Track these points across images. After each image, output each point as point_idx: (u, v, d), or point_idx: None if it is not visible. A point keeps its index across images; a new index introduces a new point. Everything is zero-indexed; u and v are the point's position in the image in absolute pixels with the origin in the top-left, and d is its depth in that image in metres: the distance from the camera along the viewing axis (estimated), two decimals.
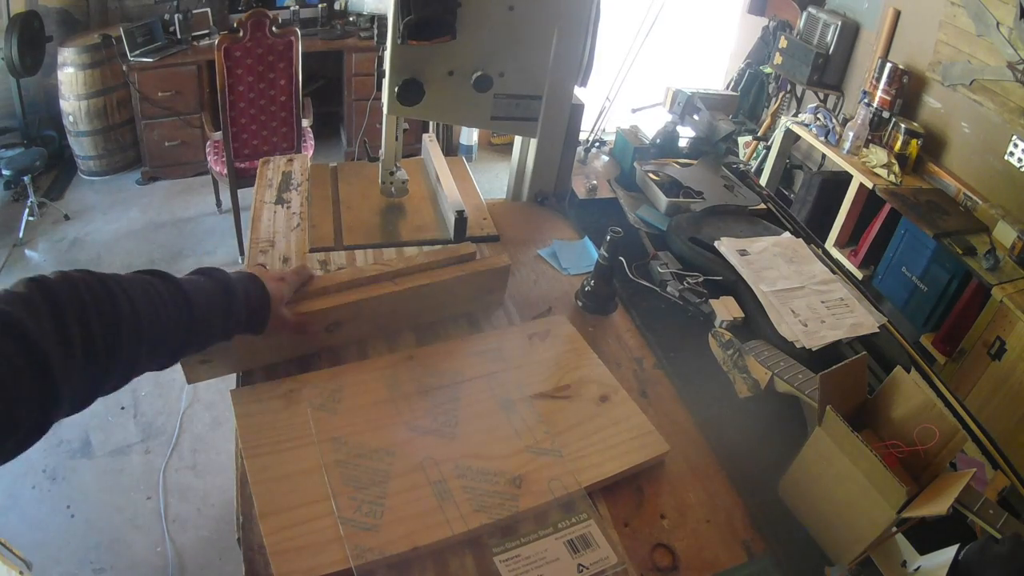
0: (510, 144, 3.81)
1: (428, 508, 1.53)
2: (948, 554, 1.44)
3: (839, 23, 5.72)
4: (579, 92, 2.61)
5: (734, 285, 2.41)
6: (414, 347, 2.00)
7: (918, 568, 1.52)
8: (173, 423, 3.96)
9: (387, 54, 2.07)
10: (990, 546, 1.38)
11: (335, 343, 1.97)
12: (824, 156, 5.57)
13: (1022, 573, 1.33)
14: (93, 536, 3.36)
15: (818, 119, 5.51)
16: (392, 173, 2.55)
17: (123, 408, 4.03)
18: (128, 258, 5.21)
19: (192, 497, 3.60)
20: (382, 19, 2.16)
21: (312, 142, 5.39)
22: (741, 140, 6.36)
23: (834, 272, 2.53)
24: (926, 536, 1.56)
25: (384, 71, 2.15)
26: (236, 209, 5.29)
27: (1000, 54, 4.48)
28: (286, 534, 1.43)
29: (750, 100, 6.77)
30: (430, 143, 2.85)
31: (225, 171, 5.02)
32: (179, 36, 5.91)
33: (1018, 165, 4.46)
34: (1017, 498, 1.93)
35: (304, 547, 1.42)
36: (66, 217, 5.59)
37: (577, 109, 2.63)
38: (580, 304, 2.30)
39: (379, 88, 2.26)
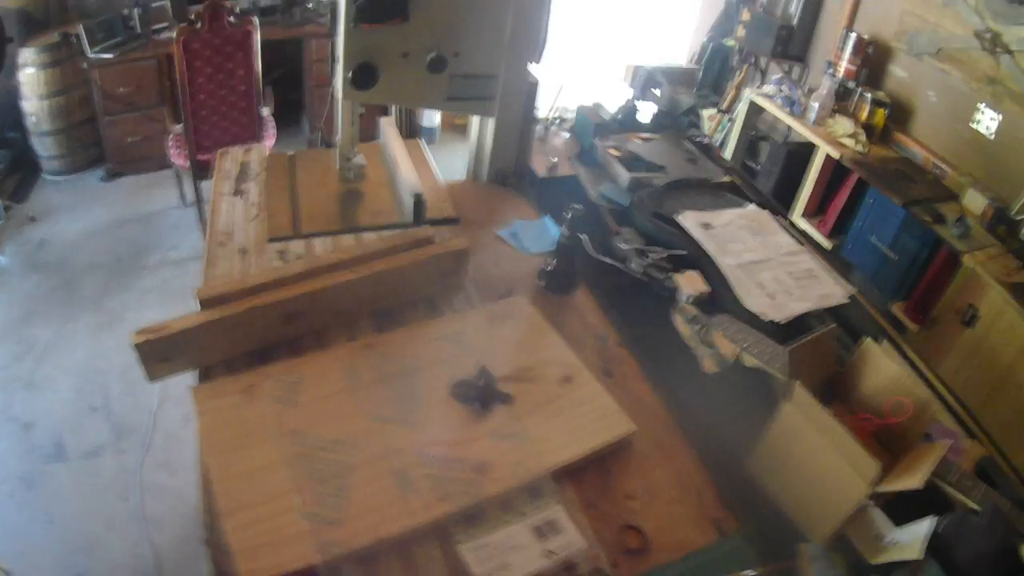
0: None
1: (391, 498, 1.51)
2: (925, 526, 1.43)
3: None
4: (535, 70, 2.58)
5: (699, 259, 2.39)
6: (373, 334, 1.98)
7: (895, 541, 1.50)
8: (145, 421, 3.92)
9: (340, 39, 2.04)
10: (968, 518, 1.37)
11: (294, 333, 1.95)
12: (790, 128, 5.55)
13: (1001, 544, 1.32)
14: (72, 541, 3.32)
15: (782, 90, 5.50)
16: (349, 159, 2.52)
17: (95, 409, 3.99)
18: (94, 258, 5.16)
19: (167, 496, 3.56)
20: (337, 4, 2.13)
21: (274, 131, 5.33)
22: (705, 113, 6.33)
23: (801, 243, 2.51)
24: (902, 507, 1.54)
25: (337, 56, 2.12)
26: (199, 202, 5.26)
27: (967, 23, 4.47)
28: (251, 531, 1.42)
29: (714, 73, 6.72)
30: (387, 127, 2.82)
31: (187, 164, 4.96)
32: (138, 30, 5.84)
33: (986, 133, 4.46)
34: (994, 467, 1.92)
35: (269, 543, 1.40)
36: (31, 219, 5.53)
37: (532, 87, 2.60)
38: (542, 284, 2.27)
39: (333, 74, 2.24)
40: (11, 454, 3.71)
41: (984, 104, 4.43)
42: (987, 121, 4.44)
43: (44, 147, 5.88)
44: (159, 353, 1.78)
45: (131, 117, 5.87)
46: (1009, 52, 4.22)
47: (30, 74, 5.53)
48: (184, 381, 1.91)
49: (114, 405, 4.02)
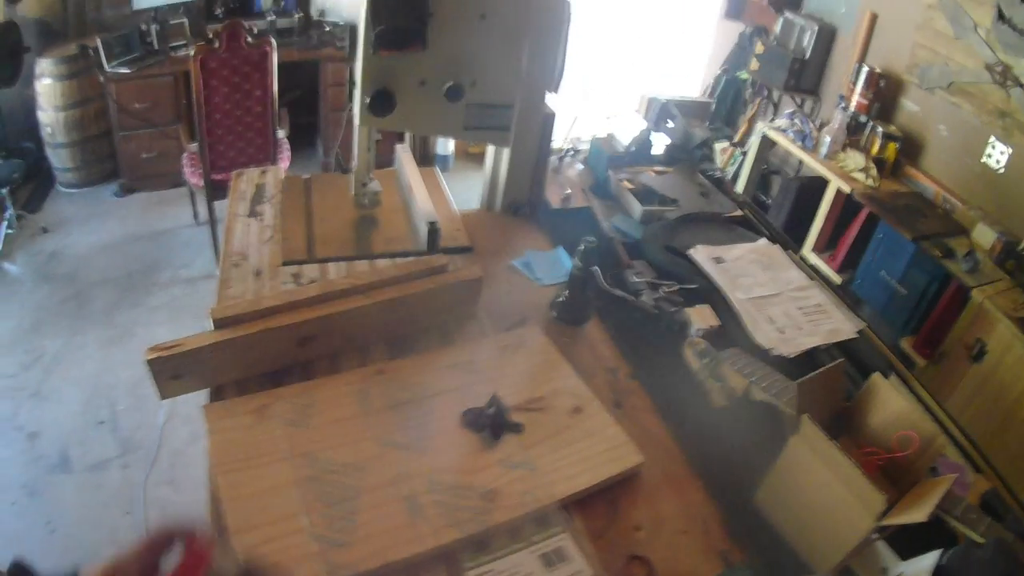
0: None
1: (400, 523, 1.52)
2: (930, 559, 1.43)
3: (816, 27, 5.71)
4: (551, 100, 2.59)
5: (710, 293, 2.40)
6: (386, 360, 1.99)
7: (900, 575, 1.50)
8: (152, 437, 3.92)
9: (358, 65, 2.06)
10: (972, 551, 1.38)
11: (307, 357, 1.96)
12: (801, 162, 5.56)
13: None
14: (73, 552, 3.32)
15: (795, 124, 5.51)
16: (365, 184, 2.54)
17: (101, 423, 4.00)
18: (105, 272, 5.17)
19: (171, 512, 3.56)
20: (356, 29, 2.14)
21: (288, 153, 5.35)
22: (718, 146, 6.35)
23: (811, 278, 2.52)
24: (908, 541, 1.55)
25: (355, 82, 2.14)
26: (212, 221, 5.28)
27: (978, 56, 4.49)
28: (259, 551, 1.42)
29: (727, 106, 6.74)
30: (403, 154, 2.84)
31: (201, 183, 4.98)
32: (156, 47, 5.87)
33: (996, 167, 4.47)
34: (999, 501, 1.92)
35: (277, 564, 1.40)
36: (44, 230, 5.55)
37: (549, 118, 2.61)
38: (554, 315, 2.29)
39: (351, 99, 2.25)
40: (15, 463, 3.72)
41: (994, 138, 4.44)
42: (997, 155, 4.45)
43: (59, 159, 5.91)
44: (171, 370, 1.78)
45: (146, 133, 5.90)
46: (1020, 85, 4.24)
47: (47, 85, 5.55)
48: (193, 399, 1.92)
49: (121, 419, 4.03)
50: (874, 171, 4.89)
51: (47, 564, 3.12)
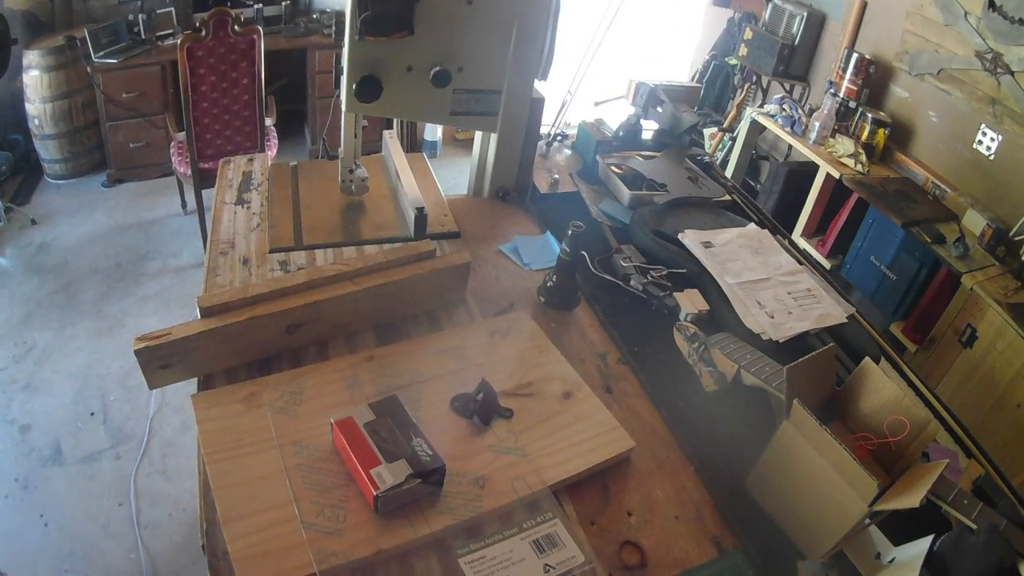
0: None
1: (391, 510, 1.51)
2: (922, 545, 1.42)
3: (805, 13, 5.71)
4: (540, 86, 2.58)
5: (699, 278, 2.40)
6: (375, 347, 1.99)
7: (892, 560, 1.50)
8: (142, 428, 3.92)
9: (345, 51, 2.04)
10: (965, 537, 1.37)
11: (295, 344, 1.95)
12: (790, 147, 5.57)
13: (997, 563, 1.32)
14: (67, 545, 3.32)
15: (784, 110, 5.51)
16: (352, 171, 2.52)
17: (92, 414, 3.99)
18: (94, 263, 5.16)
19: (163, 502, 3.56)
20: (343, 15, 2.13)
21: (276, 141, 5.35)
22: (707, 132, 6.35)
23: (801, 263, 2.51)
24: (900, 526, 1.54)
25: (342, 68, 2.12)
26: (201, 210, 5.25)
27: (968, 43, 4.49)
28: (249, 540, 1.42)
29: (715, 92, 6.75)
30: (390, 140, 2.83)
31: (189, 172, 4.96)
32: (143, 36, 5.84)
33: (987, 153, 4.48)
34: (992, 486, 1.92)
35: (268, 553, 1.40)
36: (33, 222, 5.52)
37: (537, 103, 2.61)
38: (542, 300, 2.28)
39: (338, 85, 2.24)
40: (8, 456, 3.71)
41: (984, 125, 4.44)
42: (987, 142, 4.45)
43: (47, 150, 5.88)
44: (160, 360, 1.77)
45: (134, 123, 5.88)
46: (1010, 72, 4.25)
47: (34, 76, 5.53)
48: (183, 388, 1.91)
49: (112, 410, 4.02)
50: (863, 157, 4.90)
51: (43, 558, 3.13)
